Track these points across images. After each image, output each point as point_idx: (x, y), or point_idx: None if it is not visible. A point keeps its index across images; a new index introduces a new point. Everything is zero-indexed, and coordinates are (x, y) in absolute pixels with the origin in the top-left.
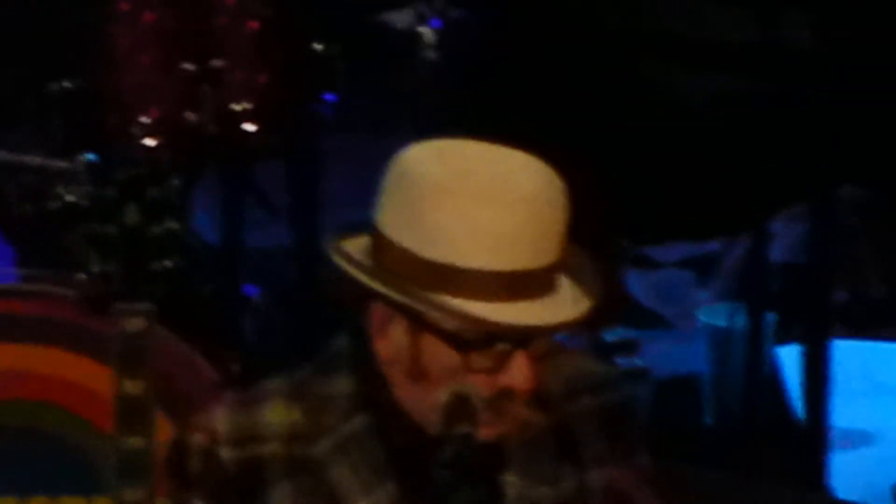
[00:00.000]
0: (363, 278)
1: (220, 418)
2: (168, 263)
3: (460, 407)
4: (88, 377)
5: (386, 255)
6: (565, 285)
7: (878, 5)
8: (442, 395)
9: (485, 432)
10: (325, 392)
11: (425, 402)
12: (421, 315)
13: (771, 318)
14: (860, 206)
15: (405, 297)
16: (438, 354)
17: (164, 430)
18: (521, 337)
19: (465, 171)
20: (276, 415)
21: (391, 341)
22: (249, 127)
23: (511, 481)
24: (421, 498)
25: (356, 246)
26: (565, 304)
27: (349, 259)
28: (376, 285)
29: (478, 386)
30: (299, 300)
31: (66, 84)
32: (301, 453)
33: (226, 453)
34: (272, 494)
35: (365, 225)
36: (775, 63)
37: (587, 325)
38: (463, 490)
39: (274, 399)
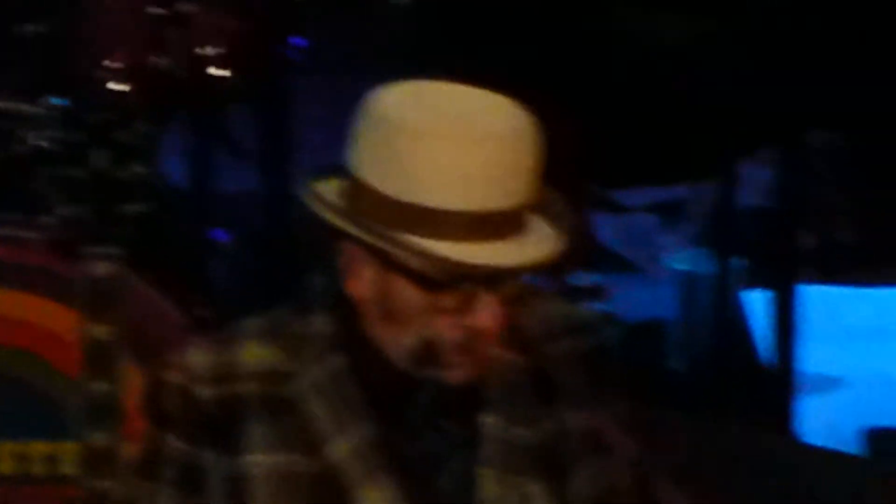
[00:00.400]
0: (334, 219)
1: (197, 357)
2: (136, 208)
3: (427, 352)
4: (56, 321)
5: (357, 196)
6: (536, 226)
7: None
8: (409, 341)
9: (453, 375)
10: (302, 332)
11: (399, 344)
12: (390, 255)
13: (739, 262)
14: (829, 152)
15: (373, 238)
16: (407, 295)
17: (132, 376)
18: (488, 277)
19: (435, 111)
20: (253, 354)
21: (362, 281)
22: (218, 71)
23: (489, 422)
24: (398, 437)
25: (329, 188)
26: (534, 245)
27: (321, 200)
28: (347, 226)
29: (446, 329)
30: (270, 245)
31: (34, 27)
32: (278, 392)
33: (203, 391)
34: (249, 432)
35: (338, 168)
36: (744, 7)
37: (554, 269)
38: (439, 431)
39: (251, 338)
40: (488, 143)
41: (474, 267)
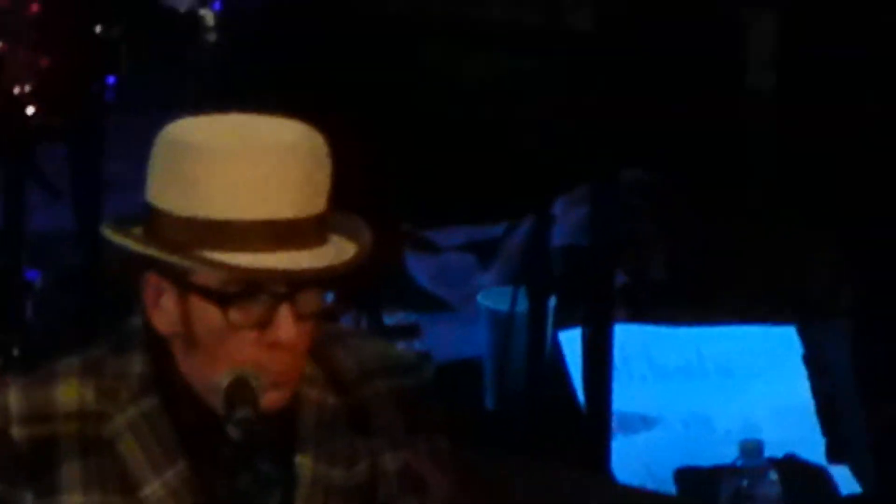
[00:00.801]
0: (131, 245)
1: (11, 397)
2: None
3: (240, 389)
4: None
5: (154, 222)
6: (334, 241)
7: None
8: (222, 379)
9: (267, 399)
10: (118, 371)
11: (208, 382)
12: (187, 278)
13: (552, 301)
14: (642, 188)
15: (164, 255)
16: (205, 316)
17: None
18: (287, 288)
19: (221, 131)
20: (69, 393)
21: (164, 312)
22: (30, 109)
23: (304, 463)
24: (211, 477)
25: (135, 226)
26: (329, 254)
27: (117, 229)
28: (138, 247)
29: (248, 348)
30: (82, 283)
31: None
32: (93, 432)
33: (17, 432)
34: (65, 473)
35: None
36: (557, 45)
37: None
38: (253, 470)
39: (66, 378)
40: (272, 154)
41: (269, 272)
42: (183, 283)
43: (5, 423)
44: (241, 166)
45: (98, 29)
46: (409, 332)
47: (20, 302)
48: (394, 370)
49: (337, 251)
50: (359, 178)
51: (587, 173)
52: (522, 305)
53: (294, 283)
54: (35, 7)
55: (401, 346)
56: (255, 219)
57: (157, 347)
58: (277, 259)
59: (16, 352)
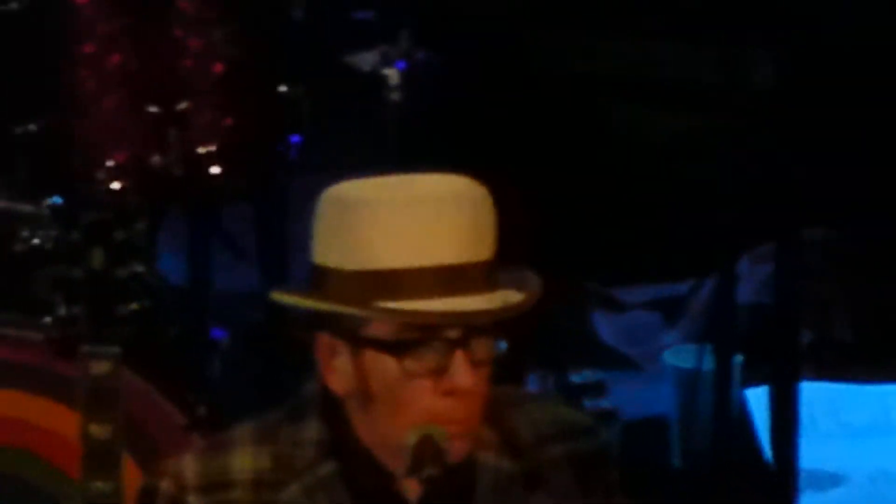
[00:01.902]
0: (301, 302)
1: (189, 464)
2: (134, 306)
3: (427, 447)
4: (55, 421)
5: (320, 281)
6: (503, 291)
7: (843, 45)
8: (408, 438)
9: (451, 450)
10: (294, 438)
11: (387, 440)
12: (358, 332)
13: (738, 359)
14: (827, 248)
15: (340, 307)
16: (380, 368)
17: (131, 474)
18: (458, 332)
19: (383, 185)
20: (245, 461)
21: (339, 371)
22: (215, 169)
23: None
24: None
25: (304, 289)
26: (498, 300)
27: (287, 292)
28: (312, 304)
29: (425, 397)
30: (267, 343)
31: (32, 126)
32: (269, 500)
33: (194, 500)
34: None
35: None
36: (741, 103)
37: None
38: None
39: (243, 445)
40: (438, 203)
41: (444, 315)
42: (356, 339)
43: (181, 492)
44: (405, 216)
45: (282, 88)
46: (596, 390)
47: (206, 361)
48: (570, 434)
49: (505, 298)
50: (542, 234)
51: (771, 231)
52: (709, 363)
53: (468, 328)
54: (219, 67)
55: (587, 404)
56: (421, 266)
57: (333, 411)
58: (448, 304)
59: (202, 411)
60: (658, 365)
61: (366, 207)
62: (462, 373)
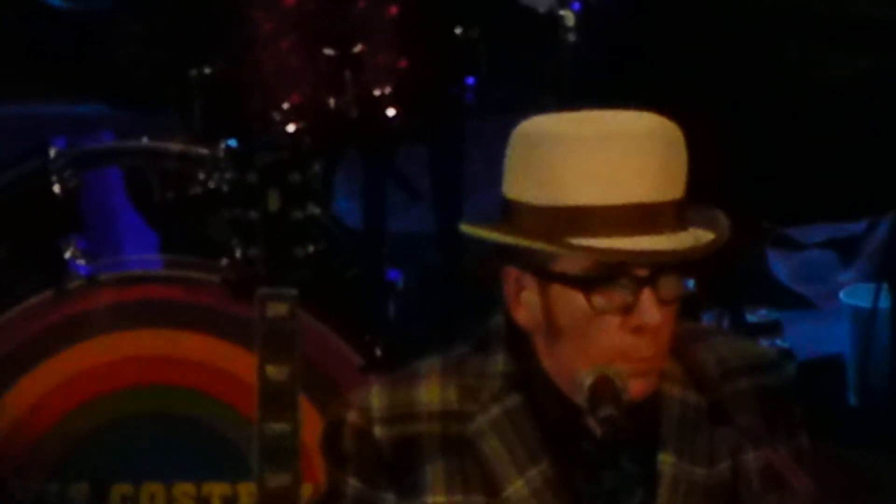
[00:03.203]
0: (491, 237)
1: (376, 396)
2: (310, 248)
3: (604, 387)
4: (232, 362)
5: (510, 215)
6: (692, 230)
7: None
8: (584, 378)
9: (633, 386)
10: (480, 370)
11: (572, 376)
12: (547, 267)
13: None
14: None
15: (529, 242)
16: (568, 304)
17: (308, 415)
18: (646, 270)
19: (576, 121)
20: (431, 393)
21: (526, 305)
22: (391, 111)
23: (666, 460)
24: (575, 475)
25: (492, 223)
26: (688, 240)
27: (479, 225)
28: (502, 238)
29: (612, 334)
30: (443, 284)
31: (208, 70)
32: (456, 432)
33: (379, 432)
34: (428, 473)
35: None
36: None
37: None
38: (615, 468)
39: (429, 377)
40: (630, 141)
41: (633, 254)
42: (544, 273)
43: (368, 423)
44: (598, 152)
45: (457, 30)
46: (771, 329)
47: (382, 302)
48: (755, 368)
49: (695, 238)
50: (718, 173)
51: None
52: (885, 302)
53: (656, 266)
54: (394, 9)
55: (763, 343)
56: (613, 203)
57: (520, 345)
58: (637, 242)
59: (378, 352)
60: (834, 304)
61: (559, 143)
62: (649, 310)
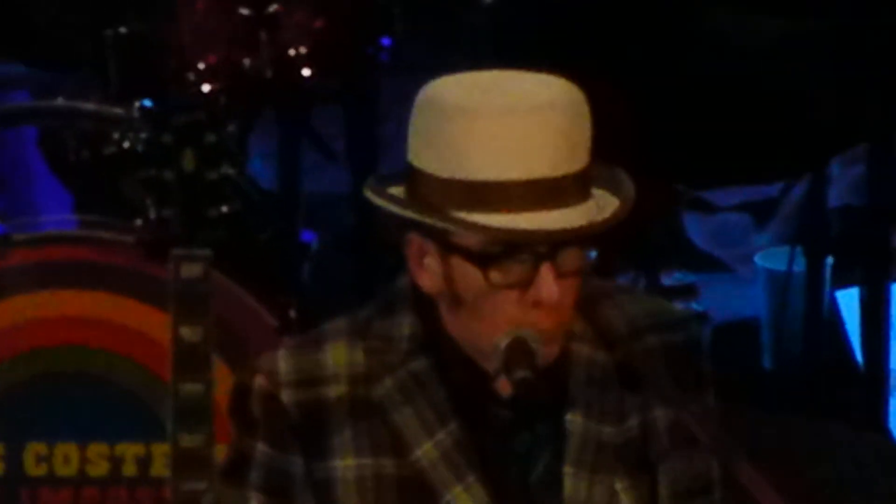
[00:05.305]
0: (392, 207)
1: (282, 360)
2: (225, 209)
3: (519, 350)
4: (145, 323)
5: (413, 181)
6: (597, 197)
7: None
8: (500, 340)
9: (545, 351)
10: (387, 332)
11: (477, 341)
12: (447, 238)
13: (829, 261)
14: None
15: (422, 217)
16: (466, 276)
17: (222, 376)
18: (544, 246)
19: (480, 90)
20: (338, 356)
21: (428, 271)
22: (306, 71)
23: (574, 420)
24: (484, 438)
25: (398, 187)
26: (590, 211)
27: (378, 190)
28: (396, 209)
29: (510, 307)
30: (357, 245)
31: (123, 30)
32: (362, 395)
33: (287, 396)
34: (335, 437)
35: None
36: (833, 4)
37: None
38: (525, 430)
39: (335, 340)
40: (532, 114)
41: (526, 234)
42: (444, 244)
43: (275, 387)
44: (499, 127)
45: None
46: (687, 292)
47: (297, 264)
48: (663, 326)
49: (598, 207)
50: (632, 136)
51: (863, 134)
52: (799, 265)
53: (554, 242)
54: None
55: (678, 306)
56: (513, 179)
57: (425, 308)
58: (536, 219)
59: (293, 314)
60: (749, 267)
61: (461, 116)
62: (547, 286)
